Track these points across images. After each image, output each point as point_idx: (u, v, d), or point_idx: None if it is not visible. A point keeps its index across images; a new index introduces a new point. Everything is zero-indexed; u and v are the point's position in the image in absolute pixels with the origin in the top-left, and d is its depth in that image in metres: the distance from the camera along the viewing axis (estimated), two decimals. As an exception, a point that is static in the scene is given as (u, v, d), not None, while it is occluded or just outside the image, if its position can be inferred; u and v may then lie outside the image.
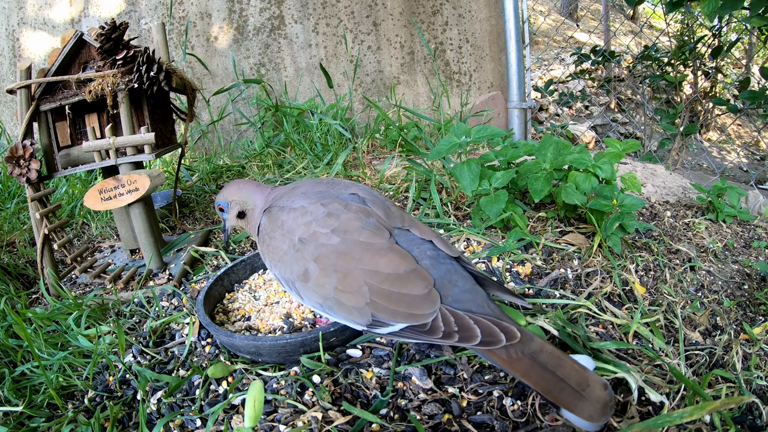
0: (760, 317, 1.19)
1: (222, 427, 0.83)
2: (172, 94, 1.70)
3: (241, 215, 1.05)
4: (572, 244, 1.37)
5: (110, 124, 1.36)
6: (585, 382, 0.72)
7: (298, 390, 0.88)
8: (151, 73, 1.34)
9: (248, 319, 1.10)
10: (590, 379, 0.72)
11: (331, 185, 0.96)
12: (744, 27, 3.80)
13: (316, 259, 0.84)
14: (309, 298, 0.87)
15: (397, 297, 0.79)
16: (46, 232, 1.37)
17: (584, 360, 0.79)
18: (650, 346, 1.01)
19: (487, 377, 0.89)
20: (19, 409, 0.93)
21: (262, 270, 1.29)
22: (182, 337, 1.10)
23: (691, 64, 3.72)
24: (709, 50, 3.20)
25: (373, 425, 0.80)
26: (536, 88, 3.95)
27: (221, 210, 1.06)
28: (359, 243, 0.83)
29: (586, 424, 0.71)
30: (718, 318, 1.16)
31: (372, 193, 0.94)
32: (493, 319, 0.77)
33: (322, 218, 0.86)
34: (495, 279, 0.91)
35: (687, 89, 4.60)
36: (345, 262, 0.82)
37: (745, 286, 1.33)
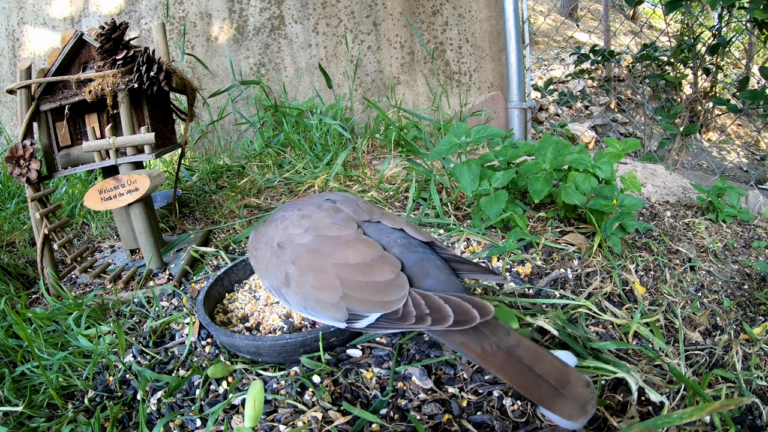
0: (760, 317, 1.19)
1: (222, 427, 0.83)
2: (172, 94, 1.70)
3: None
4: (572, 244, 1.37)
5: (110, 124, 1.36)
6: (565, 378, 0.70)
7: (298, 390, 0.88)
8: (151, 73, 1.34)
9: (248, 319, 1.10)
10: (570, 375, 0.71)
11: (310, 198, 1.01)
12: (744, 27, 3.80)
13: (294, 260, 0.86)
14: (293, 301, 0.88)
15: (366, 285, 0.79)
16: (46, 232, 1.37)
17: (565, 356, 0.78)
18: (650, 346, 1.01)
19: (487, 377, 0.89)
20: (19, 409, 0.93)
21: (262, 270, 1.30)
22: (182, 337, 1.11)
23: (691, 64, 3.72)
24: (709, 48, 3.20)
25: (373, 425, 0.80)
26: (536, 88, 3.95)
27: None
28: (329, 238, 0.84)
29: (566, 422, 0.69)
30: (718, 318, 1.16)
31: (345, 195, 0.98)
32: (464, 296, 0.75)
33: (297, 220, 0.90)
34: (467, 259, 0.89)
35: (687, 89, 4.60)
36: (318, 259, 0.83)
37: (745, 286, 1.33)
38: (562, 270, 1.25)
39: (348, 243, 0.83)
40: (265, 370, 0.95)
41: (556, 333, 0.95)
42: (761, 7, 2.30)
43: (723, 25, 3.35)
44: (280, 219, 0.94)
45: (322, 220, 0.88)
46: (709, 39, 3.33)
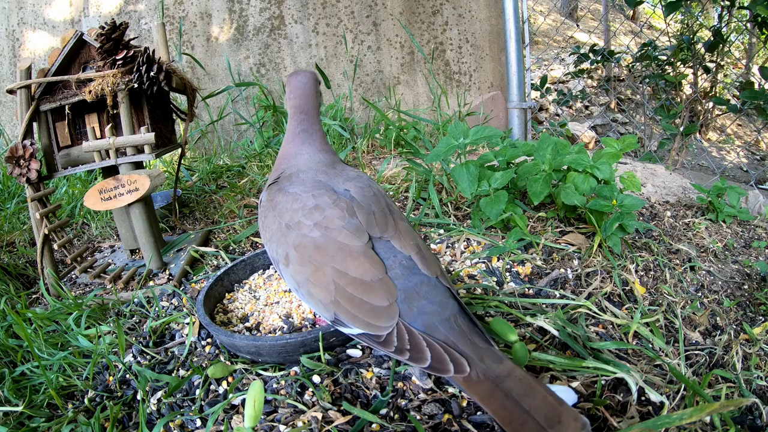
0: (760, 317, 1.19)
1: (222, 427, 0.83)
2: (172, 94, 1.70)
3: None
4: (572, 244, 1.37)
5: (110, 124, 1.36)
6: (556, 417, 0.63)
7: (298, 390, 0.88)
8: (151, 73, 1.34)
9: (248, 319, 1.10)
10: (563, 415, 0.64)
11: (335, 175, 0.97)
12: (744, 27, 3.80)
13: (296, 247, 0.86)
14: (287, 280, 0.90)
15: (359, 303, 0.78)
16: (46, 232, 1.37)
17: (564, 392, 0.72)
18: (650, 346, 1.01)
19: (487, 377, 0.89)
20: (19, 409, 0.93)
21: (262, 270, 1.30)
22: (182, 337, 1.11)
23: (691, 63, 3.72)
24: (707, 45, 3.19)
25: (373, 425, 0.80)
26: (535, 87, 3.95)
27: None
28: (336, 242, 0.83)
29: None
30: (718, 318, 1.16)
31: (365, 194, 0.92)
32: (446, 347, 0.72)
33: (309, 210, 0.88)
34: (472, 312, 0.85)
35: (687, 89, 4.60)
36: (320, 256, 0.83)
37: (745, 286, 1.33)
38: (562, 270, 1.25)
39: (352, 254, 0.82)
40: (265, 370, 0.95)
41: (556, 333, 0.95)
42: (765, 3, 2.29)
43: (723, 24, 3.35)
44: (292, 196, 0.91)
45: (335, 221, 0.85)
46: (709, 38, 3.33)
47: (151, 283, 1.37)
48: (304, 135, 1.03)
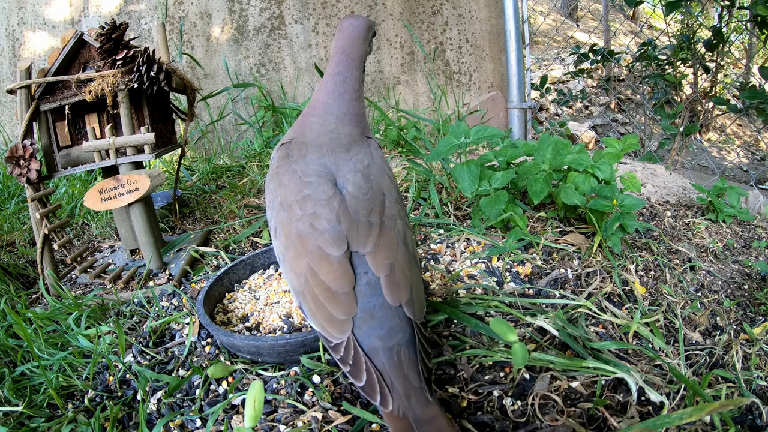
0: (760, 317, 1.19)
1: (222, 427, 0.83)
2: (172, 94, 1.70)
3: None
4: (572, 244, 1.37)
5: (110, 124, 1.36)
6: None
7: (298, 390, 0.88)
8: (151, 73, 1.34)
9: (248, 319, 1.10)
10: None
11: (344, 160, 0.92)
12: (744, 27, 3.80)
13: (284, 226, 0.86)
14: (275, 252, 0.90)
15: (321, 306, 0.78)
16: (46, 232, 1.37)
17: None
18: (650, 346, 1.01)
19: (487, 377, 0.89)
20: (19, 409, 0.93)
21: (262, 270, 1.30)
22: (182, 337, 1.11)
23: (691, 63, 3.72)
24: (706, 44, 3.19)
25: (373, 425, 0.80)
26: (535, 87, 3.95)
27: None
28: (316, 242, 0.82)
29: None
30: (718, 318, 1.16)
31: (359, 195, 0.87)
32: (381, 379, 0.72)
33: (302, 198, 0.86)
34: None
35: (687, 89, 4.60)
36: (301, 246, 0.83)
37: (745, 286, 1.33)
38: (562, 270, 1.25)
39: (328, 258, 0.80)
40: (265, 370, 0.95)
41: (556, 333, 0.95)
42: (765, 3, 2.29)
43: (723, 24, 3.35)
44: (294, 175, 0.89)
45: (321, 221, 0.83)
46: (709, 38, 3.33)
47: (151, 283, 1.37)
48: (338, 79, 0.97)
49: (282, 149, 0.96)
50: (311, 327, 0.83)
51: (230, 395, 0.88)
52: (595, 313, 1.07)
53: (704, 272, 1.37)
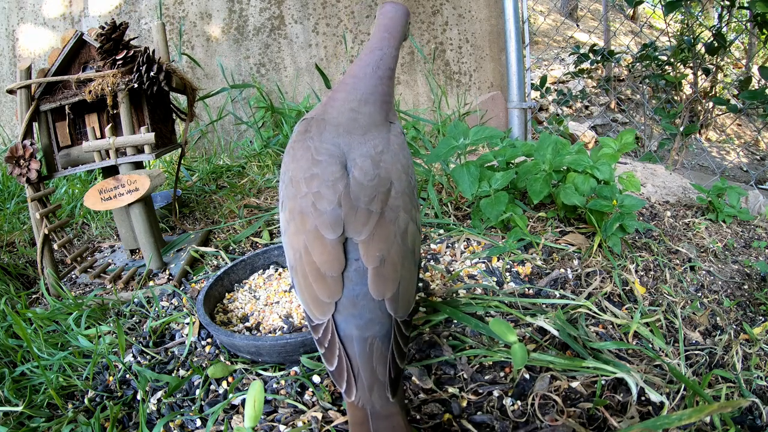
0: (760, 317, 1.19)
1: (222, 427, 0.83)
2: (172, 94, 1.70)
3: None
4: (572, 244, 1.37)
5: (110, 124, 1.36)
6: None
7: (298, 390, 0.88)
8: (151, 73, 1.34)
9: (248, 319, 1.10)
10: None
11: (359, 142, 0.90)
12: (744, 27, 3.80)
13: (290, 201, 0.86)
14: (280, 222, 0.90)
15: (308, 286, 0.79)
16: (46, 232, 1.37)
17: None
18: (650, 346, 1.01)
19: (487, 377, 0.89)
20: (19, 409, 0.93)
21: (262, 270, 1.30)
22: (182, 337, 1.11)
23: (691, 64, 3.72)
24: (707, 48, 3.19)
25: (373, 425, 0.80)
26: (535, 87, 3.95)
27: None
28: (314, 222, 0.82)
29: None
30: (718, 318, 1.16)
31: (364, 181, 0.86)
32: (349, 368, 0.73)
33: (310, 176, 0.86)
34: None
35: (687, 89, 4.60)
36: (301, 223, 0.83)
37: (745, 286, 1.33)
38: (562, 270, 1.25)
39: (323, 242, 0.80)
40: (265, 370, 0.95)
41: (556, 333, 0.95)
42: (765, 1, 2.29)
43: (723, 25, 3.35)
44: (306, 153, 0.89)
45: (323, 202, 0.83)
46: (709, 39, 3.33)
47: (151, 283, 1.37)
48: (378, 54, 0.96)
49: (302, 124, 0.95)
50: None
51: (230, 395, 0.88)
52: (595, 313, 1.07)
53: (704, 272, 1.37)
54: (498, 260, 1.28)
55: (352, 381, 0.71)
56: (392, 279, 0.79)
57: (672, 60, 3.77)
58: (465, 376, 0.89)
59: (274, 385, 0.90)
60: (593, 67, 4.46)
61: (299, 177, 0.87)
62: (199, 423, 0.86)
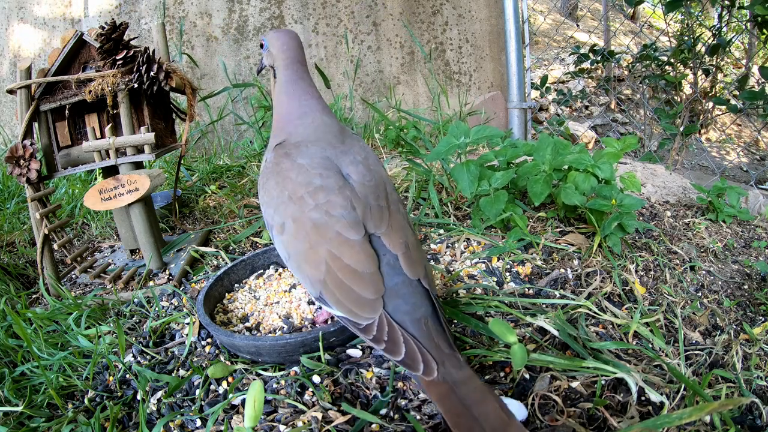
0: (760, 317, 1.19)
1: (222, 427, 0.83)
2: (172, 94, 1.70)
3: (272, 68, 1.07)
4: (572, 244, 1.37)
5: (110, 124, 1.36)
6: (502, 429, 0.66)
7: (298, 390, 0.88)
8: (151, 73, 1.34)
9: (248, 319, 1.10)
10: (510, 428, 0.66)
11: (342, 152, 0.96)
12: (744, 27, 3.80)
13: (295, 220, 0.87)
14: (278, 249, 0.92)
15: (347, 290, 0.80)
16: (46, 232, 1.37)
17: (516, 407, 0.76)
18: (650, 346, 1.01)
19: (487, 377, 0.89)
20: (19, 409, 0.93)
21: (262, 270, 1.30)
22: (182, 337, 1.11)
23: (691, 64, 3.72)
24: (708, 48, 3.19)
25: (373, 425, 0.80)
26: (536, 87, 3.96)
27: (261, 46, 1.09)
28: (335, 229, 0.84)
29: None
30: (718, 318, 1.16)
31: (366, 183, 0.92)
32: (421, 347, 0.76)
33: (314, 189, 0.88)
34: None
35: (687, 89, 4.60)
36: (317, 236, 0.84)
37: (745, 286, 1.33)
38: (562, 270, 1.25)
39: (349, 242, 0.83)
40: (265, 370, 0.95)
41: (556, 333, 0.95)
42: (764, 3, 2.29)
43: (723, 25, 3.35)
44: (300, 169, 0.91)
45: (337, 208, 0.86)
46: (709, 39, 3.33)
47: (151, 283, 1.37)
48: (303, 85, 1.03)
49: (278, 149, 0.98)
50: (335, 315, 0.84)
51: (230, 395, 0.88)
52: (595, 313, 1.07)
53: (704, 272, 1.37)
54: (498, 260, 1.28)
55: (429, 359, 0.74)
56: (419, 260, 0.86)
57: (672, 60, 3.77)
58: (465, 376, 0.89)
59: (274, 385, 0.90)
60: (593, 67, 4.46)
61: (301, 193, 0.88)
62: (199, 423, 0.86)
